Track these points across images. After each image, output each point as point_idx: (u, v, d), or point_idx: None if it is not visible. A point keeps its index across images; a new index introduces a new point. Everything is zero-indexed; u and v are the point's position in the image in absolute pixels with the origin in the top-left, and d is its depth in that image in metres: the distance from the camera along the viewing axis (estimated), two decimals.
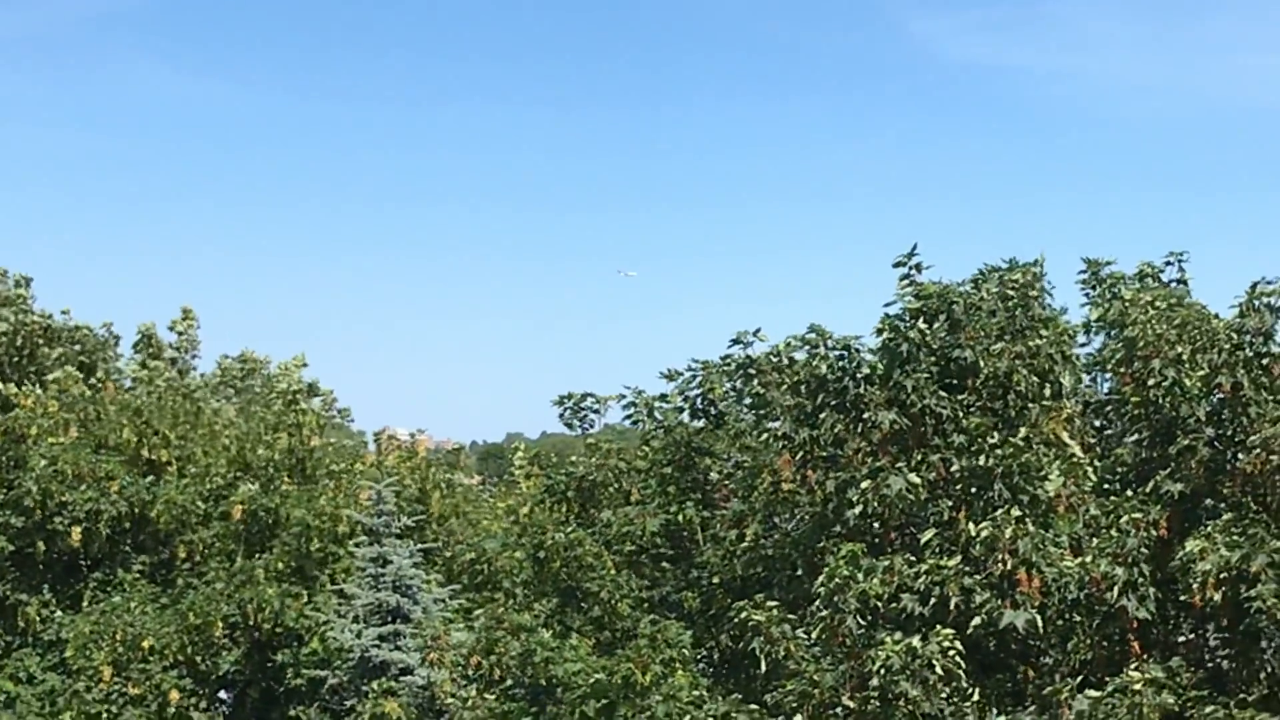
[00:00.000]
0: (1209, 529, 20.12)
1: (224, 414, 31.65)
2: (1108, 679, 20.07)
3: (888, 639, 19.22)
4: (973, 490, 20.62)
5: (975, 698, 19.91)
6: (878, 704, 19.20)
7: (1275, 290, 21.09)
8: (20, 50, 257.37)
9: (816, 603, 19.93)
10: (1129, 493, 21.33)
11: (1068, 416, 21.18)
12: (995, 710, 20.79)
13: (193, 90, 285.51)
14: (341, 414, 38.63)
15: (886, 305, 21.57)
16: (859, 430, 21.26)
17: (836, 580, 19.62)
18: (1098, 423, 23.66)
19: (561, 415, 27.71)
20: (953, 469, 20.74)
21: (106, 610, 27.31)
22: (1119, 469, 22.53)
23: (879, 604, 19.81)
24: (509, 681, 23.42)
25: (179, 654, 27.01)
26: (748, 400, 24.34)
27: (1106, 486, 22.14)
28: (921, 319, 21.28)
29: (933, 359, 21.22)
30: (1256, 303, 21.10)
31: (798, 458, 21.61)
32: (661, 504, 25.79)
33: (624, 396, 26.84)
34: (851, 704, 19.54)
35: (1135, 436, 22.15)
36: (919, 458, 20.89)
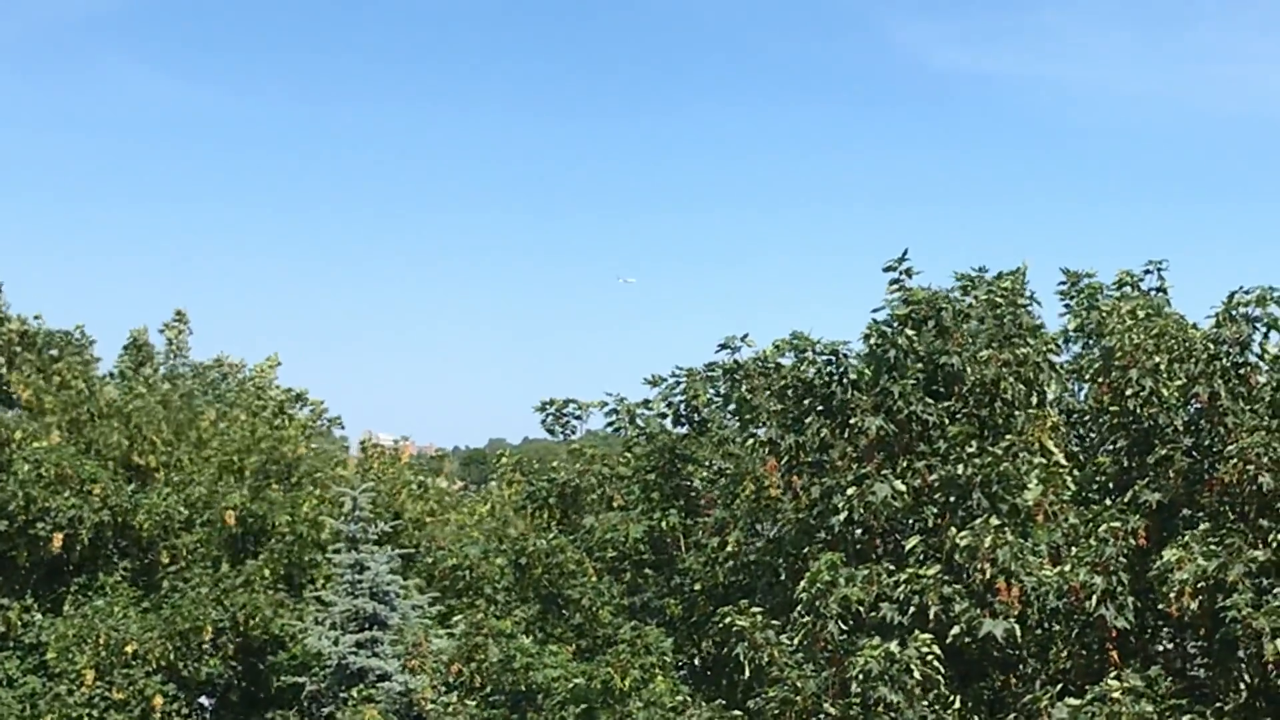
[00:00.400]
0: (1186, 538, 20.28)
1: (208, 416, 31.54)
2: (1087, 687, 20.23)
3: (867, 644, 19.34)
4: (952, 499, 20.74)
5: (956, 705, 20.03)
6: (859, 711, 19.30)
7: (1252, 300, 21.23)
8: (5, 54, 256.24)
9: (799, 608, 20.04)
10: (1108, 502, 21.50)
11: (1053, 425, 21.32)
12: (976, 718, 20.92)
13: (177, 94, 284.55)
14: (332, 422, 38.60)
15: (874, 311, 21.78)
16: (845, 436, 21.37)
17: (818, 586, 19.74)
18: (1079, 431, 23.83)
19: (544, 421, 27.77)
20: (931, 478, 20.85)
21: (89, 614, 27.22)
22: (1098, 478, 22.69)
23: (860, 610, 19.92)
24: (489, 688, 23.47)
25: (162, 659, 26.93)
26: (733, 405, 24.43)
27: (1086, 495, 22.29)
28: (909, 325, 21.43)
29: (920, 365, 21.37)
30: (1233, 313, 21.27)
31: (783, 463, 21.71)
32: (645, 510, 25.87)
33: (606, 403, 26.92)
34: (833, 710, 19.64)
35: (1114, 446, 22.30)
36: (904, 464, 21.03)
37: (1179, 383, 21.36)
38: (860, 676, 19.15)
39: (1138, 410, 21.53)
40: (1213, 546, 19.95)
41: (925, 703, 19.31)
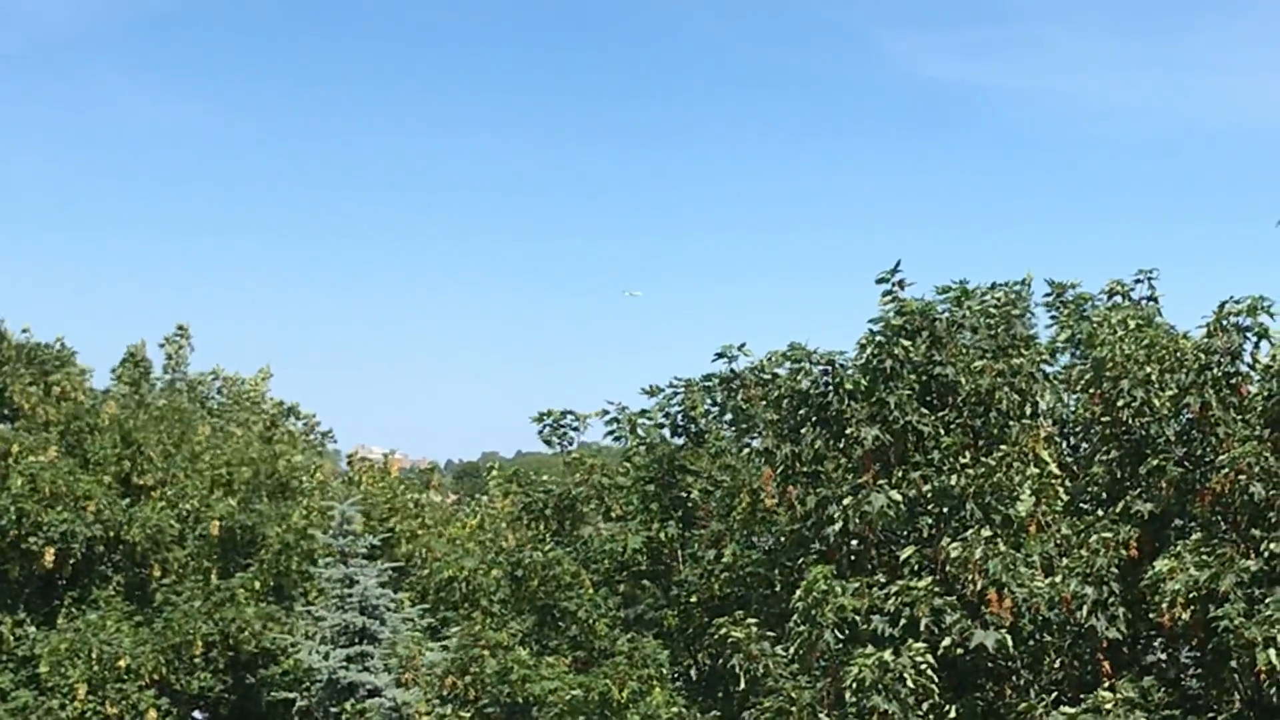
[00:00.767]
0: (1178, 548, 20.35)
1: (202, 432, 31.53)
2: (1080, 698, 20.29)
3: (860, 653, 19.37)
4: (946, 509, 20.80)
5: (951, 716, 20.06)
6: None
7: (1243, 310, 21.29)
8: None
9: (794, 618, 20.07)
10: (1100, 512, 21.56)
11: (1047, 435, 21.40)
12: None
13: (172, 109, 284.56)
14: (324, 436, 38.55)
15: (870, 321, 21.81)
16: (840, 446, 21.43)
17: (814, 595, 19.78)
18: (1071, 442, 23.90)
19: (541, 432, 27.71)
20: (926, 488, 20.91)
21: (82, 628, 27.18)
22: (1090, 489, 22.76)
23: (856, 618, 19.96)
24: (484, 701, 23.46)
25: (154, 673, 26.89)
26: (729, 415, 24.48)
27: (1078, 506, 22.36)
28: (904, 335, 21.51)
29: (915, 376, 21.44)
30: (1224, 322, 21.29)
31: (778, 473, 21.75)
32: (643, 521, 25.88)
33: (607, 411, 26.91)
34: None
35: (1106, 456, 22.37)
36: (900, 474, 21.09)
37: (1170, 393, 21.42)
38: (854, 685, 19.18)
39: (1129, 421, 21.58)
40: (1204, 557, 20.01)
41: (919, 713, 19.35)
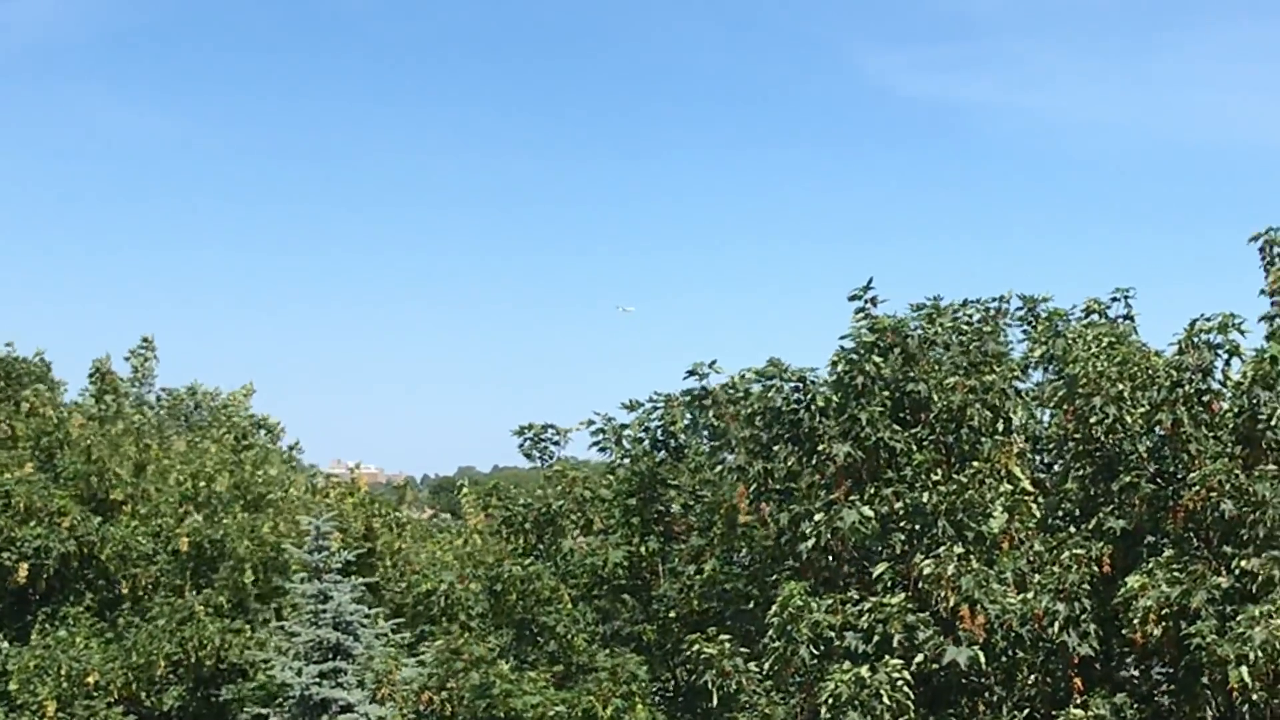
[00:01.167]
0: (1150, 565, 20.43)
1: (175, 449, 31.39)
2: (1053, 714, 20.33)
3: (836, 669, 19.37)
4: (918, 526, 20.82)
5: None
6: None
7: (1214, 327, 21.39)
8: None
9: (769, 634, 20.06)
10: (1072, 529, 21.61)
11: (1019, 451, 21.44)
12: None
13: (143, 123, 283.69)
14: (292, 448, 38.45)
15: (842, 338, 21.87)
16: (813, 463, 21.45)
17: (789, 611, 19.78)
18: (1044, 458, 23.96)
19: (521, 446, 27.68)
20: (898, 505, 20.93)
21: (51, 645, 27.03)
22: (1063, 505, 22.81)
23: (831, 635, 19.96)
24: (461, 717, 23.36)
25: (123, 690, 26.74)
26: (703, 432, 24.48)
27: (1051, 522, 22.41)
28: (876, 352, 21.56)
29: (887, 392, 21.49)
30: (1196, 339, 21.40)
31: (752, 490, 21.75)
32: (624, 535, 25.84)
33: (593, 422, 26.86)
34: None
35: (1079, 473, 22.42)
36: (872, 491, 21.12)
37: (1142, 410, 21.49)
38: (830, 702, 19.18)
39: (1102, 437, 21.67)
40: (1176, 573, 20.10)
41: None
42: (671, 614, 25.17)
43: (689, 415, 25.24)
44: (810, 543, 20.64)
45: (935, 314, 22.04)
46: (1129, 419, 21.50)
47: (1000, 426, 21.33)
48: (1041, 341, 23.85)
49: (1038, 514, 21.43)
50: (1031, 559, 20.97)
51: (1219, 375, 21.51)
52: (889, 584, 20.75)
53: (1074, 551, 20.66)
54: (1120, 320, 24.05)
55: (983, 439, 21.19)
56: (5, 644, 28.30)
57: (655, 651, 25.20)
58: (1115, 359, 21.65)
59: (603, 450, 26.78)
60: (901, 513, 20.89)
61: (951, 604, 19.84)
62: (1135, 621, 19.90)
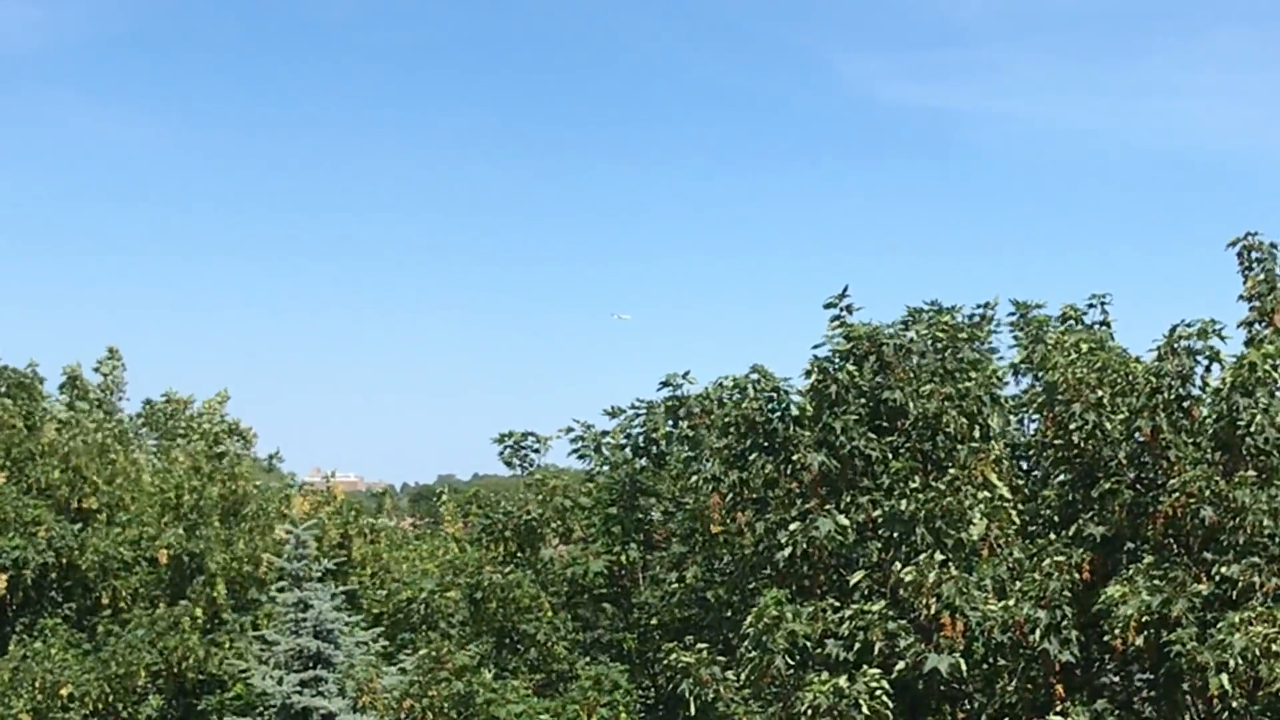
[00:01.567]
0: (1131, 573, 20.35)
1: (140, 460, 31.22)
2: None
3: (815, 680, 19.28)
4: (897, 534, 20.71)
5: None
6: None
7: (1193, 334, 21.31)
8: None
9: (745, 644, 19.96)
10: (1052, 535, 21.52)
11: (996, 458, 21.33)
12: None
13: (122, 131, 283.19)
14: (272, 457, 38.23)
15: (815, 347, 21.79)
16: (788, 472, 21.35)
17: (765, 621, 19.68)
18: (1024, 465, 23.87)
19: (502, 454, 27.60)
20: (875, 513, 20.83)
21: (27, 657, 26.84)
22: (1044, 511, 22.72)
23: (808, 644, 19.86)
24: None
25: (99, 702, 26.55)
26: (678, 442, 24.40)
27: (1032, 529, 22.32)
28: (851, 360, 21.46)
29: (862, 400, 21.38)
30: (1175, 346, 21.33)
31: (727, 499, 21.65)
32: (605, 544, 25.71)
33: (572, 429, 26.75)
34: None
35: (1058, 479, 22.34)
36: (848, 499, 21.01)
37: (1122, 416, 21.43)
38: (809, 712, 19.08)
39: (1081, 444, 21.59)
40: (1157, 581, 20.04)
41: None
42: (653, 622, 25.05)
43: (669, 422, 25.15)
44: (787, 552, 20.56)
45: (912, 320, 21.94)
46: (1109, 425, 21.42)
47: (977, 434, 21.21)
48: (1025, 347, 23.79)
49: (1017, 521, 21.35)
50: (1012, 566, 20.88)
51: (1198, 381, 21.43)
52: (866, 592, 20.64)
53: (1055, 559, 20.59)
54: (1097, 326, 23.97)
55: (959, 446, 21.07)
56: None
57: (636, 660, 25.09)
58: (1095, 365, 21.58)
59: (582, 458, 26.72)
60: (880, 520, 20.78)
61: (932, 611, 19.75)
62: (1116, 630, 19.83)
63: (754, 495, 21.59)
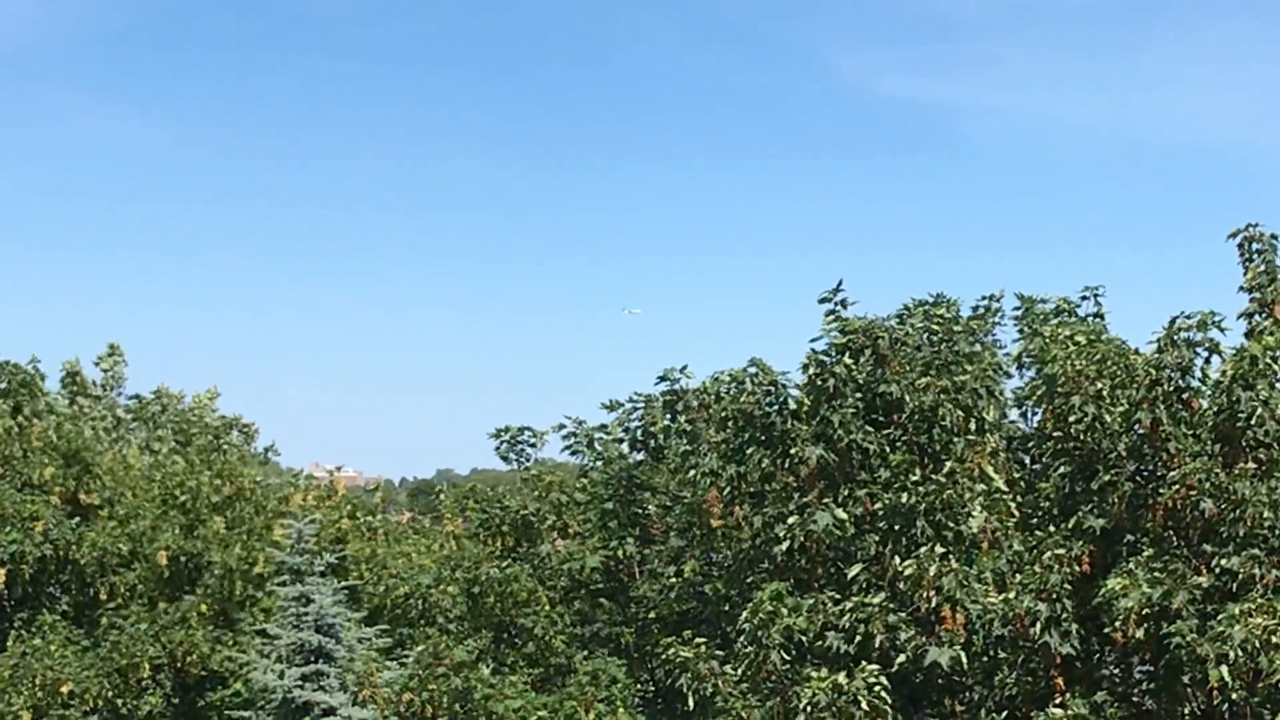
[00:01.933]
0: (1131, 565, 20.30)
1: (132, 454, 31.28)
2: (1033, 714, 20.22)
3: (814, 675, 19.26)
4: (896, 527, 20.69)
5: None
6: None
7: (1193, 325, 21.23)
8: None
9: (741, 639, 19.95)
10: (1052, 528, 21.48)
11: (992, 450, 21.29)
12: None
13: (116, 127, 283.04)
14: (268, 450, 38.32)
15: (812, 341, 21.73)
16: (786, 466, 21.31)
17: (761, 616, 19.66)
18: (1025, 458, 23.82)
19: (498, 448, 27.59)
20: (876, 505, 20.80)
21: (26, 653, 26.88)
22: (1043, 504, 22.68)
23: (804, 640, 19.83)
24: (443, 717, 23.26)
25: (99, 698, 26.60)
26: (676, 436, 24.38)
27: (1031, 521, 22.29)
28: (847, 354, 21.42)
29: (859, 394, 21.34)
30: (1175, 337, 21.24)
31: (725, 493, 21.63)
32: (601, 539, 25.69)
33: (564, 426, 26.74)
34: None
35: (1058, 471, 22.30)
36: (846, 493, 20.97)
37: (1121, 408, 21.37)
38: (809, 709, 19.06)
39: (1081, 436, 21.53)
40: (1157, 574, 19.98)
41: None
42: (651, 615, 25.05)
43: (666, 416, 25.14)
44: (785, 545, 20.52)
45: (907, 313, 21.91)
46: (1108, 417, 21.35)
47: (973, 426, 21.16)
48: (1027, 339, 23.75)
49: (1016, 514, 21.32)
50: (1011, 559, 20.84)
51: (1198, 373, 21.36)
52: (864, 585, 20.61)
53: (1055, 551, 20.54)
54: (1090, 319, 23.92)
55: (955, 439, 21.02)
56: None
57: (634, 654, 25.08)
58: (1094, 357, 21.53)
59: (574, 454, 26.67)
60: (881, 513, 20.75)
61: (933, 604, 19.72)
62: (1117, 623, 19.79)
63: (752, 489, 21.55)
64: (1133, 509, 21.35)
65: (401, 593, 28.28)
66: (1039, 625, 20.15)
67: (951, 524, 20.48)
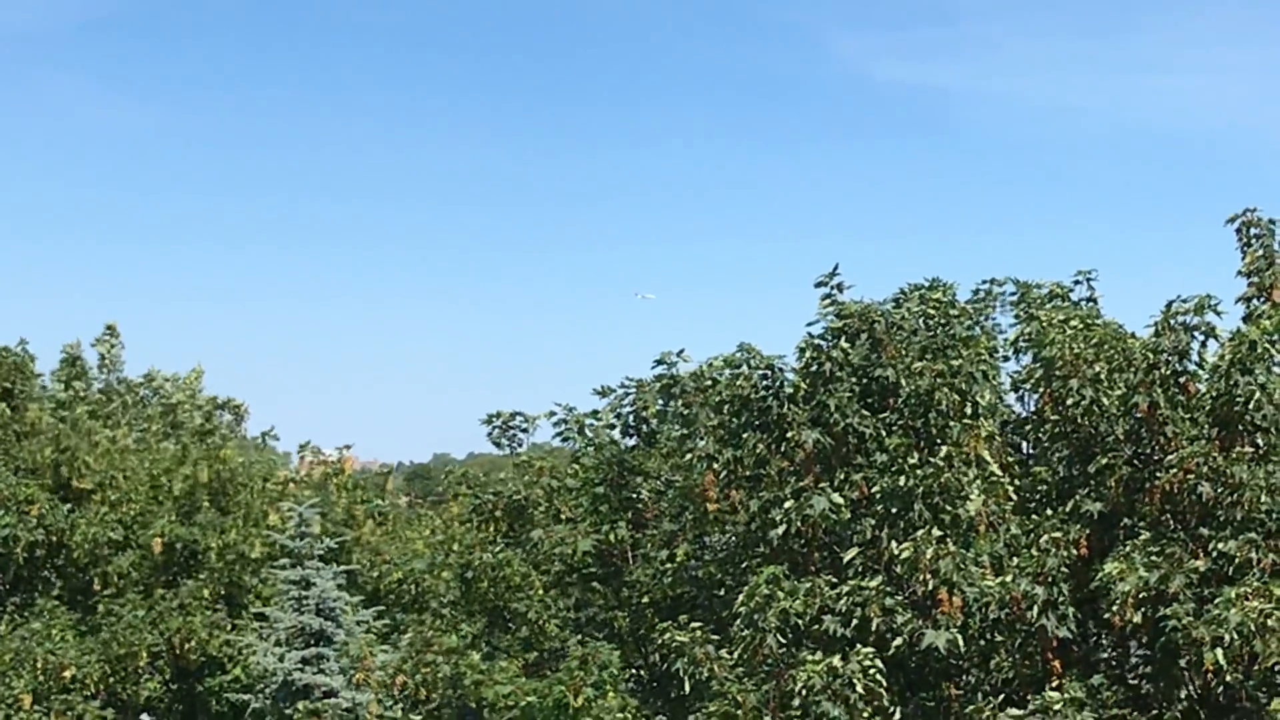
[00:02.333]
0: (1128, 549, 20.31)
1: (121, 434, 31.24)
2: (1029, 697, 20.25)
3: (809, 659, 19.29)
4: (894, 510, 20.71)
5: (897, 717, 19.99)
6: None
7: (1190, 309, 21.22)
8: None
9: (737, 623, 19.98)
10: (1049, 512, 21.50)
11: (987, 435, 21.29)
12: None
13: (114, 112, 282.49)
14: (266, 434, 38.35)
15: (809, 325, 21.72)
16: (782, 450, 21.31)
17: (757, 600, 19.69)
18: (1022, 443, 23.81)
19: (490, 434, 27.61)
20: (873, 489, 20.82)
21: (26, 637, 26.90)
22: (1039, 488, 22.69)
23: (800, 623, 19.86)
24: (436, 702, 23.36)
25: (100, 683, 26.64)
26: (674, 420, 24.38)
27: (1028, 505, 22.30)
28: (843, 338, 21.41)
29: (854, 378, 21.33)
30: (1172, 321, 21.23)
31: (721, 477, 21.63)
32: (593, 523, 25.75)
33: (554, 413, 26.77)
34: None
35: (1056, 455, 22.30)
36: (842, 477, 20.98)
37: (1119, 392, 21.36)
38: (803, 691, 19.10)
39: (1079, 419, 21.53)
40: (1154, 557, 19.99)
41: (866, 715, 19.25)
42: (644, 600, 25.08)
43: (661, 401, 25.14)
44: (781, 529, 20.53)
45: (903, 298, 21.90)
46: (1106, 401, 21.35)
47: (969, 410, 21.16)
48: (1023, 323, 23.72)
49: (1014, 497, 21.33)
50: (1009, 542, 20.85)
51: (1195, 357, 21.37)
52: (860, 569, 20.63)
53: (1052, 535, 20.55)
54: (1084, 303, 23.91)
55: (951, 423, 21.02)
56: None
57: (627, 638, 25.12)
58: (1092, 341, 21.52)
59: (565, 440, 26.70)
60: (877, 497, 20.77)
61: (930, 587, 19.73)
62: (1114, 607, 19.81)
63: (748, 473, 21.55)
64: (1130, 493, 21.36)
65: (395, 578, 28.32)
66: (1036, 608, 20.16)
67: (948, 507, 20.47)
